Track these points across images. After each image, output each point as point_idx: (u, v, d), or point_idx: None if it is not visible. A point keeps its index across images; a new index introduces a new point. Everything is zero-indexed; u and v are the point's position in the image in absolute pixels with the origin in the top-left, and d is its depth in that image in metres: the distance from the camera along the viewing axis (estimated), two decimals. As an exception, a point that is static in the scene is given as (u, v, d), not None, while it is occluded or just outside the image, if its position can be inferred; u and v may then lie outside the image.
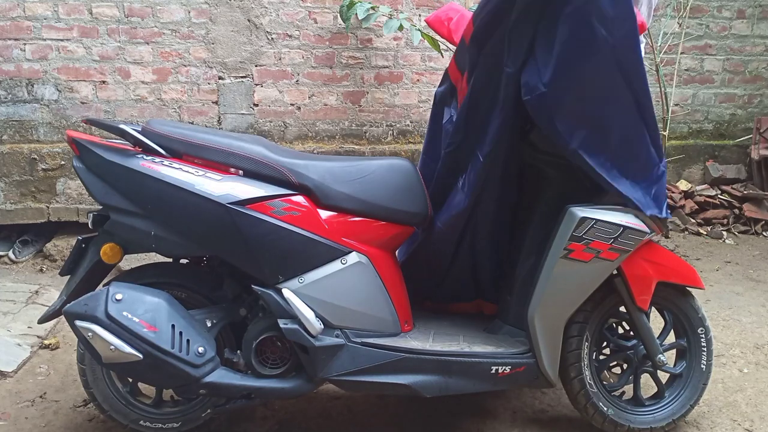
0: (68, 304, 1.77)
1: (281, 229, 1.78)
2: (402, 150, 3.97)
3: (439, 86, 2.23)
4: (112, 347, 1.70)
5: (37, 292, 3.15)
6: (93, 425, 2.14)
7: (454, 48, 2.20)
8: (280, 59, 3.85)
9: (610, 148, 1.81)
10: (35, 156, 3.60)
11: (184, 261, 2.01)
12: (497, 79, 1.86)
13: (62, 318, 1.83)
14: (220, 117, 3.84)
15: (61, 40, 3.61)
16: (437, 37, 3.49)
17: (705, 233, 4.18)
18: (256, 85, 3.85)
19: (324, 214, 1.85)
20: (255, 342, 1.85)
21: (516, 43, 1.79)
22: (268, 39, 3.81)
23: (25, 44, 3.59)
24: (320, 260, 1.83)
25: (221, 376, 1.81)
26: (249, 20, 3.77)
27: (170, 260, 1.99)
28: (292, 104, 3.91)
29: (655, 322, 2.06)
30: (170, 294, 1.83)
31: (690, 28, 4.29)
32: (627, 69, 1.74)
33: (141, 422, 1.97)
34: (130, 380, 1.99)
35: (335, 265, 1.84)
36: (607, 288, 1.95)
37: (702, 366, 2.10)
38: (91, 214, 1.87)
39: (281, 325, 1.79)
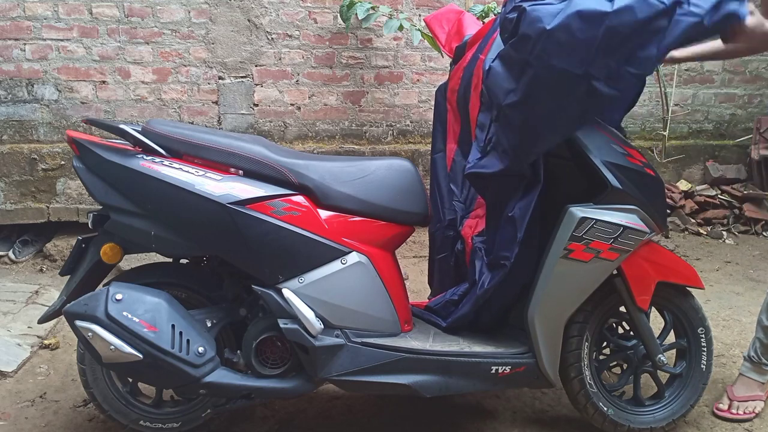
0: (68, 304, 1.77)
1: (281, 229, 1.78)
2: (402, 150, 3.97)
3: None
4: (112, 347, 1.70)
5: (37, 292, 3.15)
6: (93, 425, 2.14)
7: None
8: (280, 59, 3.85)
9: None
10: (35, 156, 3.60)
11: (184, 261, 2.01)
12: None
13: (62, 318, 1.83)
14: (220, 117, 3.84)
15: (61, 40, 3.61)
16: (437, 37, 3.49)
17: (705, 233, 4.18)
18: (256, 85, 3.85)
19: (324, 214, 1.85)
20: (255, 342, 1.85)
21: None
22: (268, 39, 3.81)
23: (25, 44, 3.59)
24: (320, 260, 1.83)
25: (221, 376, 1.81)
26: (249, 20, 3.77)
27: (170, 260, 1.99)
28: (292, 104, 3.91)
29: (655, 322, 2.06)
30: (170, 294, 1.83)
31: (690, 28, 4.28)
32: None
33: (141, 422, 1.97)
34: (130, 380, 1.99)
35: (335, 265, 1.84)
36: (607, 288, 1.95)
37: (702, 366, 2.10)
38: (91, 214, 1.87)
39: (281, 325, 1.79)
